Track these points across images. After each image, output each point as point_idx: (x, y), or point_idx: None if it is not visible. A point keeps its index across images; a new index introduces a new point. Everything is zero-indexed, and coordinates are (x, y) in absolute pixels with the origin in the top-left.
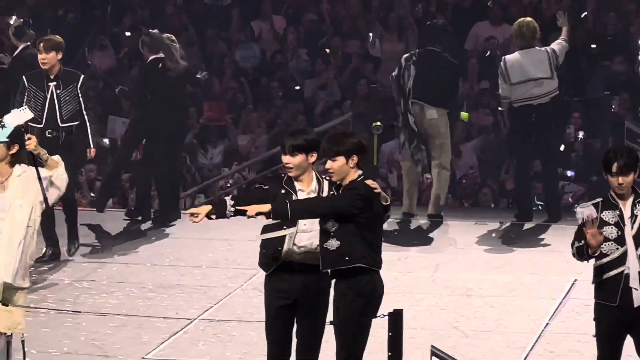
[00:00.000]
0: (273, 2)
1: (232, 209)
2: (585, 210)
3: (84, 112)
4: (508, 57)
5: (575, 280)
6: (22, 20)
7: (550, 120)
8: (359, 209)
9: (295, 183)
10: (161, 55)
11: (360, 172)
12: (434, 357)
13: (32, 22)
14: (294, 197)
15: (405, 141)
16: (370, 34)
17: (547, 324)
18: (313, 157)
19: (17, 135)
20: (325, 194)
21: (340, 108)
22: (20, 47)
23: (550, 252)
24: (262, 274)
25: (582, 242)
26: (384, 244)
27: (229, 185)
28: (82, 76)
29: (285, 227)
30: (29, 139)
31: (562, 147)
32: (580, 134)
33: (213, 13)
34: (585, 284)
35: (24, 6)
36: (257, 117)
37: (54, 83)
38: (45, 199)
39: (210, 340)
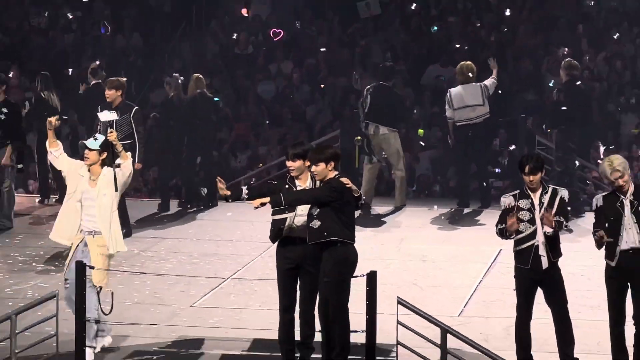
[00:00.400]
0: (283, 50)
1: (246, 196)
2: (506, 199)
3: (135, 134)
4: (452, 89)
5: (501, 249)
6: (97, 63)
7: (482, 135)
8: (333, 198)
9: (296, 181)
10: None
11: (336, 172)
12: (399, 305)
13: (106, 65)
14: (284, 191)
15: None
16: (354, 73)
17: (481, 281)
18: (308, 162)
19: (107, 145)
20: None
21: (332, 127)
22: (92, 83)
23: (483, 229)
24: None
25: (504, 225)
26: (364, 225)
27: (252, 182)
28: (136, 107)
29: (287, 212)
30: (111, 132)
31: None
32: (505, 144)
33: (241, 59)
34: (508, 252)
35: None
36: (272, 133)
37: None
38: (116, 184)
39: (238, 293)
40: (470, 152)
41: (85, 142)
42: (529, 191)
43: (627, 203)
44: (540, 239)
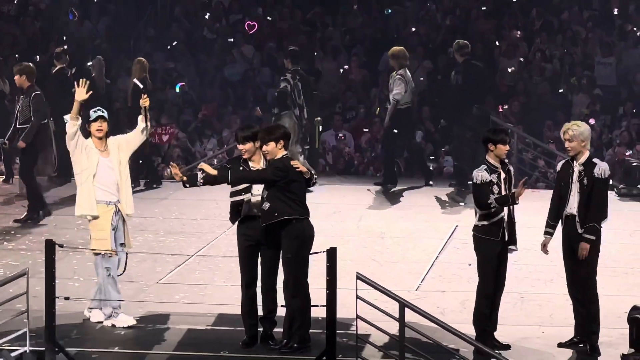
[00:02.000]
0: (243, 36)
1: (202, 181)
2: (482, 174)
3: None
4: (401, 70)
5: (457, 225)
6: (62, 48)
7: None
8: (277, 177)
9: (250, 163)
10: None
11: (285, 152)
12: (358, 280)
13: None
14: (231, 169)
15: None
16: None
17: (437, 256)
18: (258, 143)
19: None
20: None
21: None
22: (57, 68)
23: (437, 207)
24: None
25: (495, 196)
26: (324, 203)
27: (214, 162)
28: (35, 93)
29: (243, 193)
30: (145, 99)
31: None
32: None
33: (207, 43)
34: (463, 228)
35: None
36: (235, 116)
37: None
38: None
39: (203, 270)
40: (407, 133)
41: (101, 113)
42: (496, 165)
43: (575, 170)
44: (505, 212)
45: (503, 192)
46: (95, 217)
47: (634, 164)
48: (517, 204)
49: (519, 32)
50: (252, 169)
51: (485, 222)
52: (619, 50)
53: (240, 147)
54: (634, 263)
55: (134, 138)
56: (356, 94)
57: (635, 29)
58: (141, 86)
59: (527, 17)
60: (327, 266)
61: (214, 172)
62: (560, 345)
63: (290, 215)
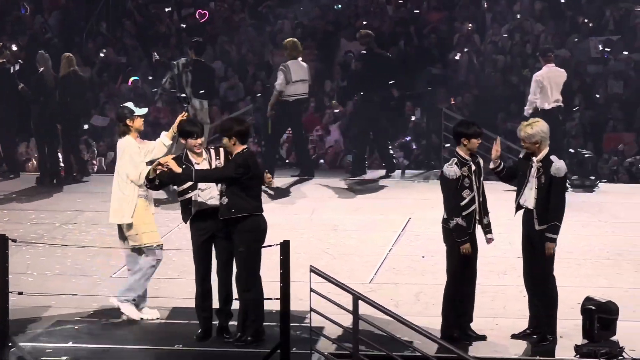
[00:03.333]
0: (198, 28)
1: (157, 183)
2: (453, 169)
3: None
4: (289, 63)
5: (410, 218)
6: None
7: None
8: (239, 175)
9: (191, 158)
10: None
11: (244, 146)
12: (312, 273)
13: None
14: (192, 168)
15: None
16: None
17: (390, 249)
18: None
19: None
20: (213, 159)
21: (244, 102)
22: None
23: (391, 198)
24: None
25: (466, 188)
26: (277, 197)
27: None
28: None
29: (190, 191)
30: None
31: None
32: (412, 117)
33: (158, 37)
34: (417, 221)
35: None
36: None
37: None
38: None
39: None
40: (295, 125)
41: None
42: (466, 158)
43: (534, 166)
44: (477, 204)
45: (474, 185)
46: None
47: (586, 155)
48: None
49: (470, 25)
50: (195, 165)
51: (463, 212)
52: (570, 42)
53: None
54: (587, 254)
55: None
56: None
57: (586, 20)
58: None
59: (478, 8)
60: (281, 259)
61: (179, 169)
62: (513, 336)
63: (248, 212)
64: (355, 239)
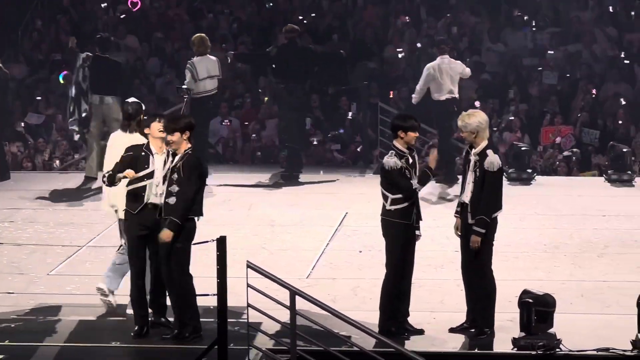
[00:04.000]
0: (131, 24)
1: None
2: (393, 160)
3: None
4: (194, 60)
5: (347, 213)
6: None
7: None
8: (202, 184)
9: (151, 147)
10: None
11: (190, 145)
12: (249, 269)
13: None
14: (151, 158)
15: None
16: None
17: (327, 244)
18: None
19: None
20: (168, 161)
21: (180, 98)
22: None
23: (328, 193)
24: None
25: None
26: (213, 192)
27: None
28: None
29: (146, 179)
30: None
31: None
32: (350, 114)
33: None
34: (353, 215)
35: None
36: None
37: None
38: None
39: (94, 260)
40: (203, 122)
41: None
42: (405, 151)
43: (472, 159)
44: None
45: (412, 177)
46: None
47: (523, 148)
48: (437, 175)
49: (407, 18)
50: (154, 155)
51: (398, 206)
52: (505, 35)
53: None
54: (524, 247)
55: None
56: (244, 82)
57: (520, 13)
58: None
59: (413, 3)
60: (217, 255)
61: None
62: (451, 330)
63: (193, 215)
64: (292, 234)
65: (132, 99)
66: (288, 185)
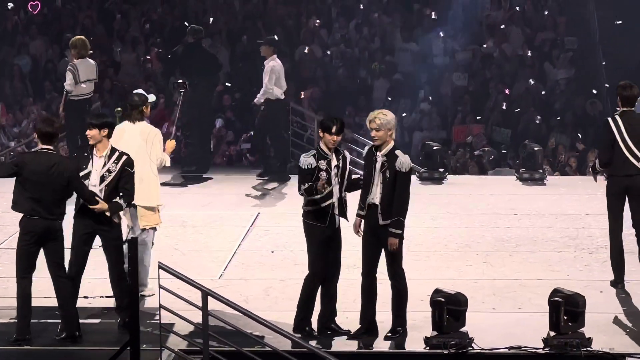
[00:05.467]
0: (42, 26)
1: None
2: (308, 159)
3: None
4: (76, 61)
5: (259, 213)
6: None
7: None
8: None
9: (95, 149)
10: None
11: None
12: (160, 270)
13: None
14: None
15: None
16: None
17: (240, 244)
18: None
19: None
20: (110, 161)
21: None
22: None
23: (240, 194)
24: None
25: (307, 184)
26: None
27: (11, 156)
28: None
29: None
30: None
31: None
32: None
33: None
34: (266, 215)
35: None
36: (36, 107)
37: None
38: None
39: (5, 263)
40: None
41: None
42: (327, 152)
43: (378, 160)
44: (335, 199)
45: (333, 180)
46: None
47: (435, 147)
48: (321, 193)
49: (318, 21)
50: (95, 156)
51: (311, 208)
52: (417, 35)
53: (87, 132)
54: (436, 246)
55: None
56: (156, 83)
57: (432, 13)
58: None
59: (324, 3)
60: (129, 256)
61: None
62: (350, 337)
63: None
64: (204, 235)
65: (139, 90)
66: (199, 185)
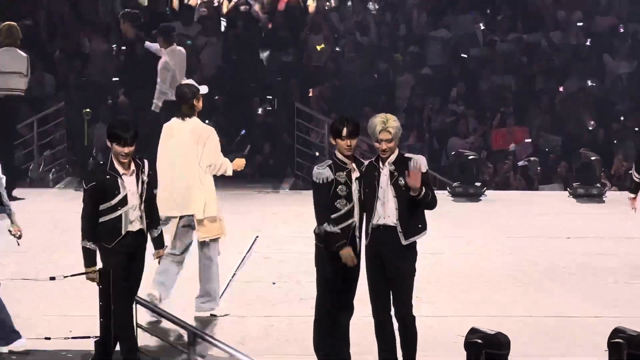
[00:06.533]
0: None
1: None
2: (323, 172)
3: None
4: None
5: (257, 237)
6: None
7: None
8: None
9: (117, 166)
10: None
11: None
12: (138, 305)
13: None
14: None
15: None
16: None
17: (234, 274)
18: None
19: None
20: (144, 172)
21: (57, 98)
22: None
23: (234, 213)
24: None
25: (329, 227)
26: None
27: None
28: None
29: (120, 208)
30: None
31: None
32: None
33: None
34: (265, 239)
35: None
36: None
37: None
38: None
39: None
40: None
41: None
42: (345, 162)
43: (384, 172)
44: (357, 218)
45: (354, 193)
46: None
47: (470, 157)
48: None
49: (328, 2)
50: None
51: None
52: (449, 20)
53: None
54: (472, 276)
55: None
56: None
57: None
58: None
59: None
60: (100, 289)
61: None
62: None
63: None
64: (193, 262)
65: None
66: None
